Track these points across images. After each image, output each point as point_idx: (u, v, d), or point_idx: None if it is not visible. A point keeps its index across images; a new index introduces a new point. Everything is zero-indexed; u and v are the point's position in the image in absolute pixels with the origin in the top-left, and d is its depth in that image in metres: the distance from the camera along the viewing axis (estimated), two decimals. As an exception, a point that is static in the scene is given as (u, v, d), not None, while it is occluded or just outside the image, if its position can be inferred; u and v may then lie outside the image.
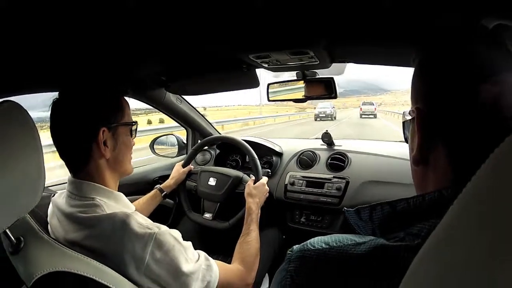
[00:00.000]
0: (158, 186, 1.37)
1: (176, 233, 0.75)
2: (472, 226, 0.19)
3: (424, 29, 0.53)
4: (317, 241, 0.42)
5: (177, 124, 1.85)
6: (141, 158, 3.65)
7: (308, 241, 0.43)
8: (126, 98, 0.87)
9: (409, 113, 0.45)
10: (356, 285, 0.36)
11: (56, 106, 0.74)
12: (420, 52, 0.45)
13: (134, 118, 0.85)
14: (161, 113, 1.71)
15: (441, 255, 0.21)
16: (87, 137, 0.74)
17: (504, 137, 0.19)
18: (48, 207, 0.83)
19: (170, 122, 2.09)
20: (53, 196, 0.83)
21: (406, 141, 0.49)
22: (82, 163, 0.75)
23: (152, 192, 1.33)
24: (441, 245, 0.22)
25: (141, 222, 0.70)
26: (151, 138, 1.93)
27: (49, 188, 1.26)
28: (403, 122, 0.50)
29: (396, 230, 0.39)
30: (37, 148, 0.59)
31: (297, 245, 0.44)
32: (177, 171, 1.49)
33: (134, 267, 0.66)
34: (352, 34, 0.76)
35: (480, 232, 0.18)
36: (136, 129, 0.87)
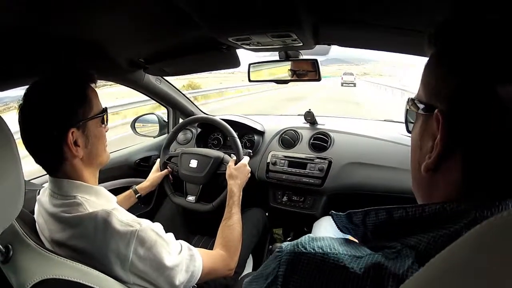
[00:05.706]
0: (134, 187, 1.34)
1: (158, 227, 0.74)
2: None
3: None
4: (308, 242, 0.40)
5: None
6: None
7: (298, 241, 0.41)
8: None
9: (418, 106, 0.40)
10: None
11: (21, 112, 0.71)
12: (441, 40, 0.38)
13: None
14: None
15: None
16: (55, 141, 0.71)
17: None
18: (32, 201, 0.82)
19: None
20: (38, 193, 0.82)
21: (409, 131, 0.45)
22: (56, 165, 0.73)
23: (127, 192, 1.31)
24: None
25: (122, 219, 0.69)
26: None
27: (32, 182, 1.21)
28: (407, 110, 0.45)
29: (392, 237, 0.37)
30: (14, 156, 0.55)
31: (286, 244, 0.42)
32: (154, 174, 1.44)
33: (119, 265, 0.67)
34: (341, 17, 0.71)
35: None
36: (107, 116, 0.82)
